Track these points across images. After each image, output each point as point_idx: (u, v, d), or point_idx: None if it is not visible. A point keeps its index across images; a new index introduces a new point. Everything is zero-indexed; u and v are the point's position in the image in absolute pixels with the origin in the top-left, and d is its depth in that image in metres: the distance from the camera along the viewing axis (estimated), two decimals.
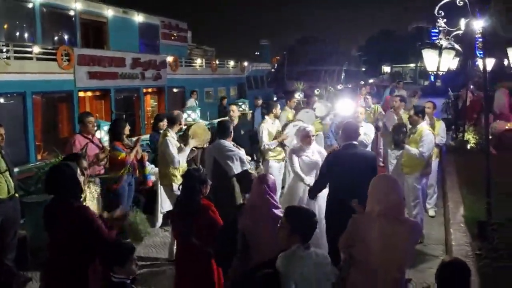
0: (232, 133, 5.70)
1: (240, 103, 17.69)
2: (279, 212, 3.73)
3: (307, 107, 10.37)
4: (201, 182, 3.94)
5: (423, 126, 6.31)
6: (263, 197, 3.82)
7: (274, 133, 7.44)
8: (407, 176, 6.39)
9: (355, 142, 4.85)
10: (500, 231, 5.31)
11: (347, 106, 7.92)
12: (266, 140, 7.30)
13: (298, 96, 15.24)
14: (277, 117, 7.82)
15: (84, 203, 3.86)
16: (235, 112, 8.17)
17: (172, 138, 6.00)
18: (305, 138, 5.86)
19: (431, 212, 7.43)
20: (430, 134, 6.24)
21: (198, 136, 6.41)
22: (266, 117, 7.76)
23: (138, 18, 18.50)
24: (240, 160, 5.34)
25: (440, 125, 7.55)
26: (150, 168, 7.79)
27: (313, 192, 5.09)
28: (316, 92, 18.67)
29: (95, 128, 7.74)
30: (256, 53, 44.40)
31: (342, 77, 41.98)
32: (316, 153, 5.86)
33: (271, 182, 3.91)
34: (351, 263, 3.27)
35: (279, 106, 8.00)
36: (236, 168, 5.31)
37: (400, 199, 3.31)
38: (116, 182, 6.20)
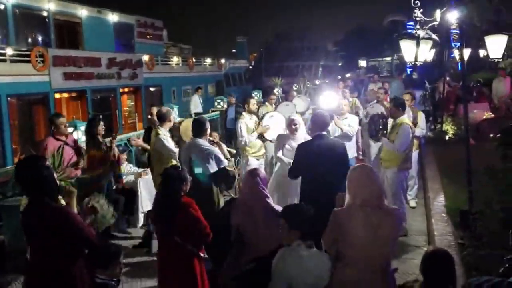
0: (208, 130, 5.52)
1: (218, 100, 17.66)
2: (271, 202, 3.73)
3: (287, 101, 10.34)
4: (180, 180, 3.88)
5: (403, 119, 6.27)
6: (256, 190, 3.82)
7: (252, 127, 7.34)
8: (386, 169, 6.34)
9: (323, 133, 4.97)
10: (481, 219, 5.37)
11: (330, 99, 7.91)
12: (246, 135, 7.19)
13: (277, 92, 15.23)
14: (252, 112, 7.62)
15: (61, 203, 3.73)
16: (253, 105, 7.72)
17: (164, 135, 5.89)
18: (289, 126, 6.03)
19: (412, 203, 7.49)
20: (407, 128, 6.12)
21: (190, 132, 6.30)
22: (244, 113, 7.61)
23: (113, 17, 18.22)
24: (216, 159, 5.24)
25: (421, 117, 7.57)
26: (129, 167, 7.70)
27: (291, 173, 5.07)
28: (294, 87, 18.67)
29: (70, 129, 7.61)
30: (233, 50, 44.24)
31: (319, 72, 42.20)
32: (301, 139, 5.92)
33: (263, 175, 3.94)
34: (338, 257, 3.22)
35: (253, 101, 7.83)
36: (212, 167, 5.21)
37: (379, 188, 3.30)
38: (95, 182, 6.07)
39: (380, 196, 3.23)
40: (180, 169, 4.10)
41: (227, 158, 5.76)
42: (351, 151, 6.94)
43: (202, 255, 3.91)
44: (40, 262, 3.29)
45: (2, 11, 13.02)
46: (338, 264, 3.17)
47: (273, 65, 41.33)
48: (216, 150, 5.40)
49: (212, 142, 5.77)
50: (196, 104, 17.33)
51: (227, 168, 5.50)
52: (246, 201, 3.88)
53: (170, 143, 5.82)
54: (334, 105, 7.66)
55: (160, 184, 4.01)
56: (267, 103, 9.65)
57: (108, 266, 3.24)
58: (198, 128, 5.34)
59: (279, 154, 6.02)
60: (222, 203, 5.18)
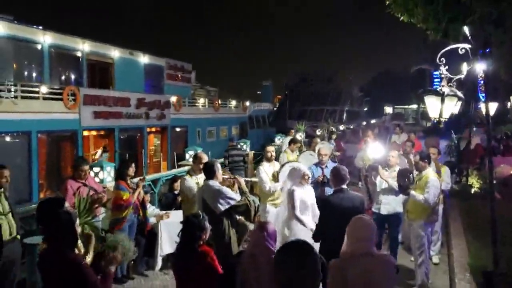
0: (217, 171, 5.61)
1: (241, 143, 17.84)
2: None
3: (308, 149, 10.32)
4: (200, 229, 3.91)
5: (429, 172, 6.26)
6: (262, 245, 3.77)
7: (271, 175, 7.32)
8: (412, 222, 6.30)
9: (344, 186, 5.03)
10: (506, 281, 5.18)
11: (377, 149, 7.86)
12: (268, 182, 7.17)
13: (300, 137, 15.27)
14: (270, 160, 7.59)
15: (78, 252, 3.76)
16: (270, 153, 7.60)
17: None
18: (303, 177, 5.98)
19: (435, 259, 7.27)
20: (436, 181, 6.18)
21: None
22: (264, 161, 7.61)
23: (144, 59, 18.91)
24: (225, 196, 5.35)
25: (445, 171, 7.48)
26: (152, 209, 7.75)
27: (316, 235, 5.07)
28: (317, 132, 18.70)
29: (97, 169, 7.79)
30: (258, 92, 45.00)
31: (344, 117, 42.27)
32: (310, 193, 5.90)
33: (271, 230, 3.87)
34: None
35: (271, 149, 7.79)
36: (223, 205, 5.31)
37: (369, 236, 3.37)
38: (118, 223, 6.16)
39: (368, 243, 3.32)
40: (201, 217, 4.14)
41: (243, 192, 5.78)
42: (398, 206, 6.64)
43: None
44: None
45: (38, 50, 13.70)
46: None
47: (297, 109, 41.65)
48: (225, 189, 5.48)
49: (228, 178, 5.83)
50: None
51: (241, 201, 5.53)
52: (252, 254, 3.85)
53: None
54: (380, 155, 7.50)
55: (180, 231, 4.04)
56: (287, 150, 9.61)
57: None
58: (208, 170, 5.50)
59: (298, 213, 5.97)
60: (233, 236, 5.32)
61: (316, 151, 9.35)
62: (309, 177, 6.13)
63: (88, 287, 3.23)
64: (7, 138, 11.64)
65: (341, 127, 26.51)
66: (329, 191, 6.76)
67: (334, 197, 5.06)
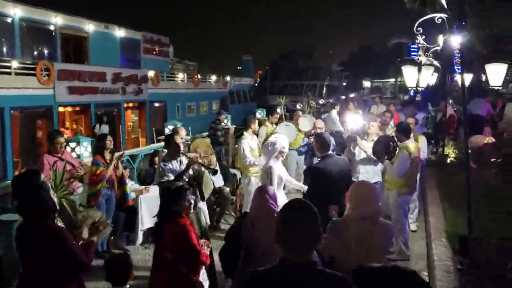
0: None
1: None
2: None
3: (290, 121, 10.32)
4: (175, 199, 3.95)
5: (406, 144, 6.24)
6: (266, 206, 3.89)
7: (255, 148, 7.36)
8: (389, 192, 6.38)
9: (330, 152, 5.23)
10: (481, 246, 5.34)
11: (355, 120, 7.89)
12: (250, 156, 7.18)
13: (280, 110, 15.23)
14: (255, 133, 7.72)
15: (58, 223, 3.72)
16: (256, 126, 7.78)
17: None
18: (280, 152, 5.94)
19: (413, 227, 7.44)
20: (404, 154, 6.11)
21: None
22: (245, 133, 7.62)
23: (120, 32, 18.43)
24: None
25: (422, 140, 7.58)
26: (131, 184, 7.68)
27: (309, 197, 5.15)
28: (298, 106, 18.72)
29: (73, 144, 7.65)
30: (239, 67, 44.62)
31: (324, 91, 42.37)
32: (281, 167, 5.97)
33: (272, 192, 4.02)
34: (332, 264, 3.33)
35: (256, 122, 7.88)
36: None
37: (377, 204, 3.54)
38: (93, 198, 6.10)
39: (377, 212, 3.50)
40: (179, 186, 4.13)
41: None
42: (377, 176, 6.78)
43: (194, 278, 3.93)
44: (31, 281, 3.27)
45: (9, 24, 13.22)
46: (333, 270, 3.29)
47: (277, 84, 41.55)
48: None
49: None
50: None
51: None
52: (256, 217, 3.98)
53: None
54: (358, 126, 7.53)
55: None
56: (267, 123, 9.61)
57: (125, 281, 3.32)
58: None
59: (291, 179, 6.14)
60: None
61: (300, 123, 9.39)
62: (285, 152, 6.05)
63: (68, 254, 3.19)
64: None
65: (321, 101, 26.57)
66: (315, 160, 6.88)
67: (322, 163, 5.19)
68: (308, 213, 2.41)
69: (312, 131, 8.70)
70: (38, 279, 3.21)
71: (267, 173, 5.98)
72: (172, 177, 5.56)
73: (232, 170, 9.06)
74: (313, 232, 2.36)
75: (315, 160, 6.96)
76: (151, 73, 19.36)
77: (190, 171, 5.75)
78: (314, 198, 4.82)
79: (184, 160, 5.85)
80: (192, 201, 4.04)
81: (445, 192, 8.65)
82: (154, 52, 21.57)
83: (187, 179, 5.61)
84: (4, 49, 13.64)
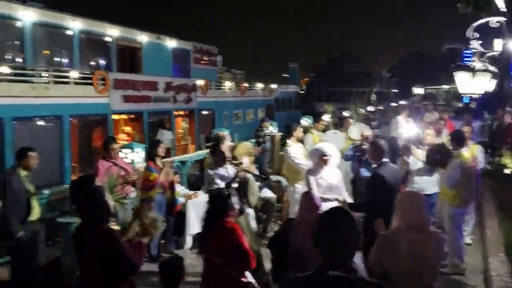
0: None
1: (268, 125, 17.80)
2: None
3: (341, 129, 10.17)
4: (225, 205, 4.00)
5: (460, 153, 6.02)
6: (312, 211, 3.91)
7: (300, 156, 7.29)
8: (442, 202, 6.16)
9: (385, 160, 5.10)
10: None
11: (410, 129, 7.73)
12: (303, 161, 7.09)
13: (328, 118, 15.10)
14: (300, 140, 7.66)
15: (113, 226, 3.88)
16: (300, 133, 7.84)
17: None
18: (321, 158, 5.88)
19: (468, 240, 7.12)
20: (455, 164, 5.88)
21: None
22: (289, 141, 7.60)
23: (171, 43, 19.01)
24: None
25: (478, 149, 7.25)
26: (180, 189, 7.87)
27: (359, 209, 5.11)
28: (346, 113, 18.48)
29: (128, 151, 7.95)
30: (285, 75, 44.63)
31: (373, 98, 41.54)
32: (333, 174, 5.82)
33: (316, 197, 4.08)
34: (384, 276, 3.34)
35: (301, 129, 7.85)
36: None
37: (426, 214, 3.50)
38: (146, 203, 6.29)
39: (425, 221, 3.44)
40: (227, 194, 4.20)
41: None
42: (433, 186, 6.55)
43: (245, 280, 3.95)
44: (87, 281, 3.42)
45: (69, 36, 13.94)
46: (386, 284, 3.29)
47: (324, 90, 41.21)
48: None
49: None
50: None
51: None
52: (300, 223, 4.01)
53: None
54: (412, 134, 7.34)
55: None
56: (313, 130, 9.54)
57: (177, 284, 3.41)
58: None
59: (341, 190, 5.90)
60: None
61: (349, 131, 9.24)
62: (328, 159, 5.99)
63: (121, 257, 3.33)
64: (41, 122, 11.97)
65: (370, 108, 26.08)
66: (363, 170, 6.74)
67: (378, 171, 5.08)
68: (346, 219, 2.44)
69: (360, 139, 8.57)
70: (95, 281, 3.36)
71: (305, 179, 5.99)
72: (220, 183, 5.67)
73: (278, 177, 9.07)
74: (351, 238, 2.38)
75: (363, 168, 6.84)
76: (200, 82, 19.77)
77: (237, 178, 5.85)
78: (372, 207, 4.79)
79: (230, 167, 5.94)
80: (238, 207, 4.10)
81: (502, 204, 8.25)
82: (203, 62, 22.04)
83: (234, 186, 5.70)
84: (64, 60, 14.40)
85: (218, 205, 4.00)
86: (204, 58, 22.10)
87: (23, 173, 5.39)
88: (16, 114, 10.83)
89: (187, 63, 20.59)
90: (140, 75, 16.33)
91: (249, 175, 6.05)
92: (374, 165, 5.28)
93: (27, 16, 12.21)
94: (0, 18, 11.70)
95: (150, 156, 6.69)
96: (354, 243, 2.40)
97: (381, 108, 27.74)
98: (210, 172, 5.91)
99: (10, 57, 12.52)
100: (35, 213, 5.47)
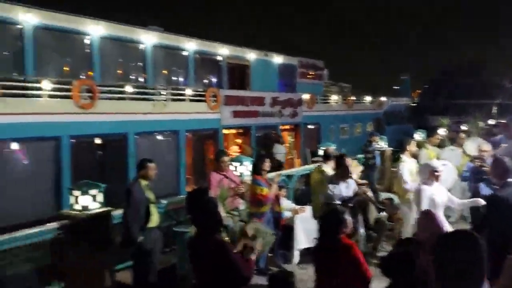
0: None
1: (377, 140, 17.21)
2: None
3: (454, 144, 9.51)
4: (339, 221, 3.87)
5: None
6: (436, 228, 3.70)
7: (414, 172, 6.93)
8: None
9: (510, 180, 4.62)
10: None
11: None
12: (409, 180, 6.81)
13: (443, 132, 14.17)
14: (413, 155, 7.28)
15: (224, 237, 3.99)
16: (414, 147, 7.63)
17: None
18: (432, 173, 5.52)
19: None
20: None
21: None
22: (402, 155, 7.25)
23: (277, 59, 19.42)
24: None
25: None
26: (287, 204, 7.88)
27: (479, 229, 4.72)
28: (463, 128, 17.19)
29: (237, 164, 8.20)
30: (395, 87, 42.96)
31: (495, 111, 38.09)
32: (443, 191, 5.48)
33: (438, 217, 3.88)
34: None
35: (414, 144, 7.47)
36: None
37: None
38: (257, 218, 6.37)
39: None
40: (340, 210, 4.08)
41: None
42: None
43: None
44: None
45: (184, 56, 14.97)
46: None
47: (439, 103, 38.83)
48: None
49: None
50: None
51: None
52: (424, 243, 3.78)
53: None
54: None
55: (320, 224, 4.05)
56: (427, 145, 8.98)
57: None
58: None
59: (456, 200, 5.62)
60: None
61: (465, 146, 8.61)
62: (439, 174, 5.59)
63: (233, 268, 3.42)
64: (160, 137, 12.96)
65: (490, 122, 23.94)
66: (483, 187, 6.21)
67: (500, 192, 4.66)
68: (468, 242, 2.24)
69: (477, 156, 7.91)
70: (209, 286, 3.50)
71: (416, 195, 5.63)
72: (338, 199, 5.58)
73: (389, 195, 8.69)
74: (474, 263, 2.17)
75: (482, 186, 6.25)
76: (306, 96, 19.87)
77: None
78: (492, 231, 4.37)
79: (351, 182, 5.82)
80: (352, 225, 3.97)
81: None
82: (309, 76, 22.16)
83: (351, 204, 5.58)
84: (181, 78, 15.48)
85: (332, 221, 3.89)
86: (310, 72, 22.21)
87: (143, 182, 5.82)
88: (138, 129, 11.87)
89: (293, 78, 20.87)
90: (248, 91, 16.93)
91: (370, 194, 5.92)
92: (496, 186, 4.83)
93: (148, 40, 13.37)
94: (125, 42, 12.95)
95: (256, 170, 6.75)
96: (477, 270, 2.17)
97: (504, 121, 25.33)
98: (331, 186, 5.84)
99: (133, 77, 13.77)
100: (154, 220, 5.85)
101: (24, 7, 10.39)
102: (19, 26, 10.31)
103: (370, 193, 7.54)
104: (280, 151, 15.75)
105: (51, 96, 10.22)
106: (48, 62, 11.19)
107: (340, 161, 6.19)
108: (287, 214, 7.53)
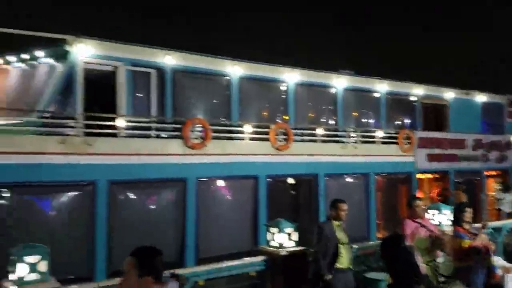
0: None
1: None
2: None
3: None
4: None
5: None
6: None
7: None
8: None
9: None
10: None
11: None
12: None
13: None
14: None
15: None
16: None
17: None
18: None
19: None
20: None
21: None
22: None
23: (481, 98, 17.73)
24: None
25: None
26: (496, 260, 6.92)
27: None
28: None
29: (435, 212, 7.59)
30: None
31: None
32: None
33: None
34: None
35: None
36: None
37: None
38: (462, 273, 5.74)
39: None
40: None
41: None
42: None
43: None
44: None
45: (375, 98, 14.80)
46: None
47: None
48: None
49: None
50: None
51: None
52: None
53: None
54: None
55: None
56: None
57: None
58: None
59: None
60: None
61: None
62: None
63: None
64: (349, 179, 12.92)
65: None
66: None
67: None
68: None
69: None
70: None
71: None
72: None
73: None
74: None
75: None
76: None
77: None
78: None
79: None
80: None
81: None
82: None
83: None
84: (371, 120, 15.29)
85: None
86: None
87: (335, 222, 5.90)
88: (329, 170, 12.07)
89: (500, 118, 18.66)
90: (445, 133, 15.78)
91: None
92: None
93: (340, 83, 13.67)
94: (317, 86, 13.44)
95: (457, 221, 6.19)
96: None
97: None
98: None
99: (324, 120, 14.16)
100: (344, 261, 5.82)
101: (233, 60, 11.77)
102: (227, 78, 11.70)
103: None
104: (508, 199, 14.19)
105: (251, 139, 11.20)
106: (250, 108, 12.35)
107: None
108: (498, 271, 6.61)
